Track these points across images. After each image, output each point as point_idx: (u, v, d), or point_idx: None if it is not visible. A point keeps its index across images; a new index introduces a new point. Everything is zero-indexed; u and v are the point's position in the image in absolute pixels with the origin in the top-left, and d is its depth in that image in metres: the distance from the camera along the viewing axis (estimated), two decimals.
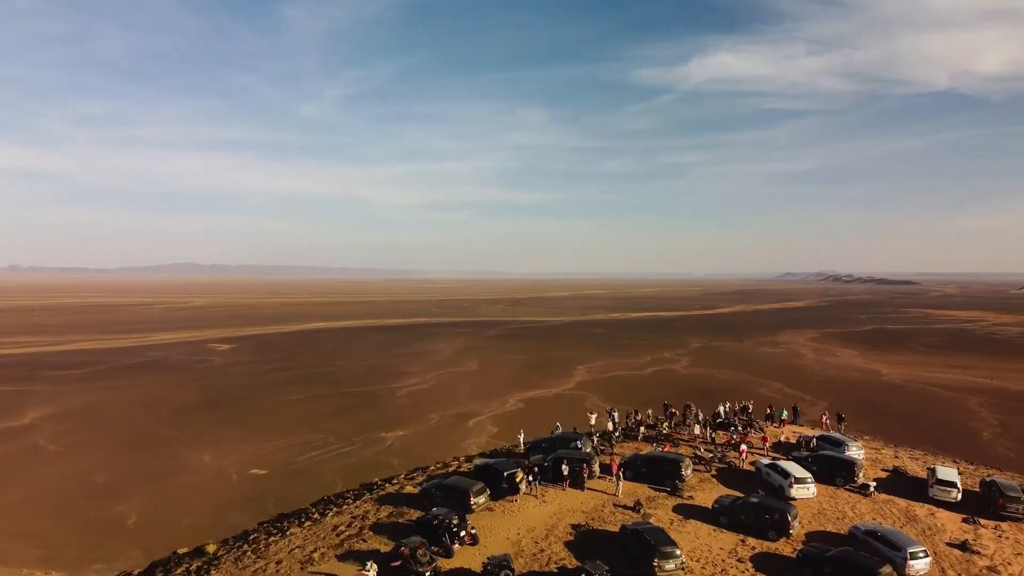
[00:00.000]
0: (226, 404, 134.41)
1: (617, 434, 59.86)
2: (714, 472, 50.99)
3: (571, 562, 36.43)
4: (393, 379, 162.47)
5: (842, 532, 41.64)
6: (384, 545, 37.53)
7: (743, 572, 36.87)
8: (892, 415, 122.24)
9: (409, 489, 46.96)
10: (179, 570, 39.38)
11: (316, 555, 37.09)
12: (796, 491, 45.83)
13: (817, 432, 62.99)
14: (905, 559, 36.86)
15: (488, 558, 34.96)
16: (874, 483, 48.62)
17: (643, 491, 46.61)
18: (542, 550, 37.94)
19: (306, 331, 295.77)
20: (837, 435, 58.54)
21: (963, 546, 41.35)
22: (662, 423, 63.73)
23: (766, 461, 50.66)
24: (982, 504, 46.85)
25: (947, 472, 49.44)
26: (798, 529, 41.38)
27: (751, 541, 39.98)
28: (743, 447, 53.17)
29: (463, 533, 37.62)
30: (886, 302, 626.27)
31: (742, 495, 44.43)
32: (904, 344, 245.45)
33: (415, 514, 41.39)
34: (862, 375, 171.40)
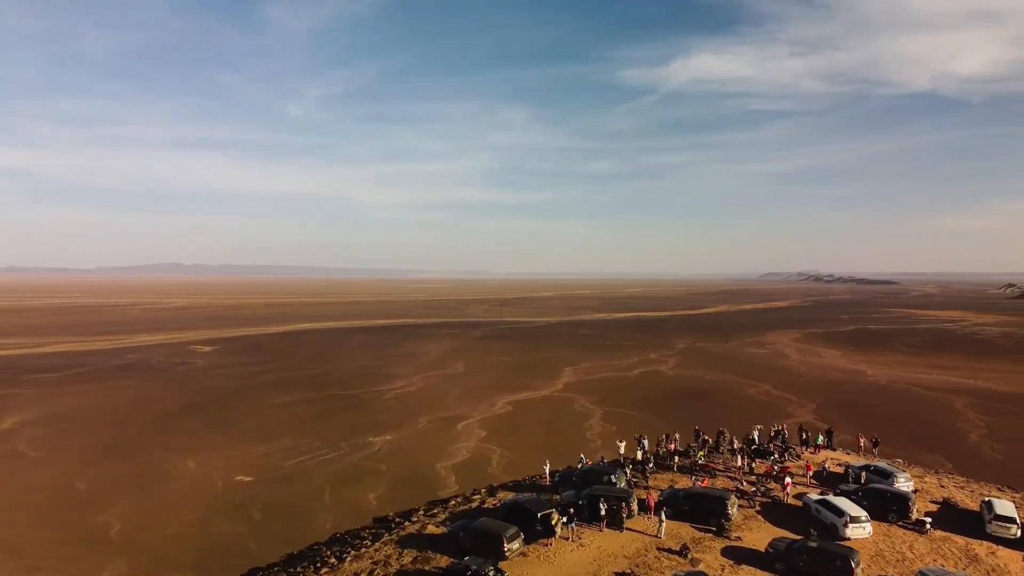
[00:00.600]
0: (210, 408, 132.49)
1: (651, 465, 55.64)
2: (758, 508, 47.31)
3: None
4: (380, 381, 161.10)
5: None
6: None
7: None
8: (879, 417, 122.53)
9: (432, 529, 44.14)
10: None
11: None
12: (851, 531, 42.19)
13: (860, 460, 59.28)
14: None
15: None
16: (930, 520, 45.08)
17: (687, 531, 43.15)
18: None
19: (291, 332, 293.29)
20: (885, 464, 54.46)
21: None
22: (696, 451, 59.70)
23: (815, 496, 46.90)
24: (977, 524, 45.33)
25: (1005, 506, 45.78)
26: None
27: None
28: (787, 479, 49.05)
29: None
30: (867, 302, 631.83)
31: (795, 537, 40.90)
32: (887, 344, 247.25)
33: (442, 560, 38.68)
34: (847, 376, 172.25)
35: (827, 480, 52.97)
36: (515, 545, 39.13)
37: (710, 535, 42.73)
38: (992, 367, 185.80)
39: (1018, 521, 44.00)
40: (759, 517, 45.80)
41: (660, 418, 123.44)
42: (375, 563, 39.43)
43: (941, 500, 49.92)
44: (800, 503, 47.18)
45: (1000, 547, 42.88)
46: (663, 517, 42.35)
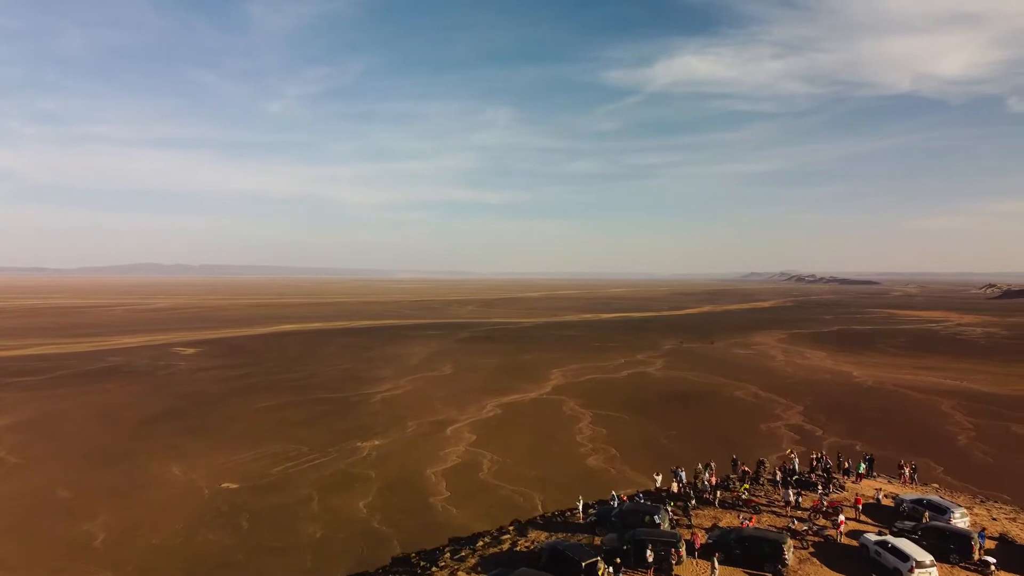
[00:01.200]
0: (193, 412, 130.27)
1: (692, 502, 51.32)
2: (812, 549, 43.76)
3: None
4: (366, 384, 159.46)
5: None
6: None
7: None
8: (870, 420, 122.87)
9: None
10: None
11: None
12: None
13: (910, 492, 55.02)
14: None
15: None
16: (994, 561, 41.76)
17: None
18: None
19: (274, 334, 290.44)
20: (939, 499, 50.49)
21: None
22: (736, 483, 56.22)
23: (873, 537, 42.98)
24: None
25: None
26: None
27: None
28: (840, 517, 45.23)
29: None
30: (850, 302, 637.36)
31: None
32: (872, 345, 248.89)
33: None
34: (833, 377, 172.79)
35: (879, 515, 49.24)
36: None
37: None
38: (977, 368, 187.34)
39: None
40: (814, 560, 42.57)
41: (650, 421, 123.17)
42: None
43: (998, 535, 46.79)
44: (856, 543, 43.58)
45: None
46: (716, 564, 39.22)
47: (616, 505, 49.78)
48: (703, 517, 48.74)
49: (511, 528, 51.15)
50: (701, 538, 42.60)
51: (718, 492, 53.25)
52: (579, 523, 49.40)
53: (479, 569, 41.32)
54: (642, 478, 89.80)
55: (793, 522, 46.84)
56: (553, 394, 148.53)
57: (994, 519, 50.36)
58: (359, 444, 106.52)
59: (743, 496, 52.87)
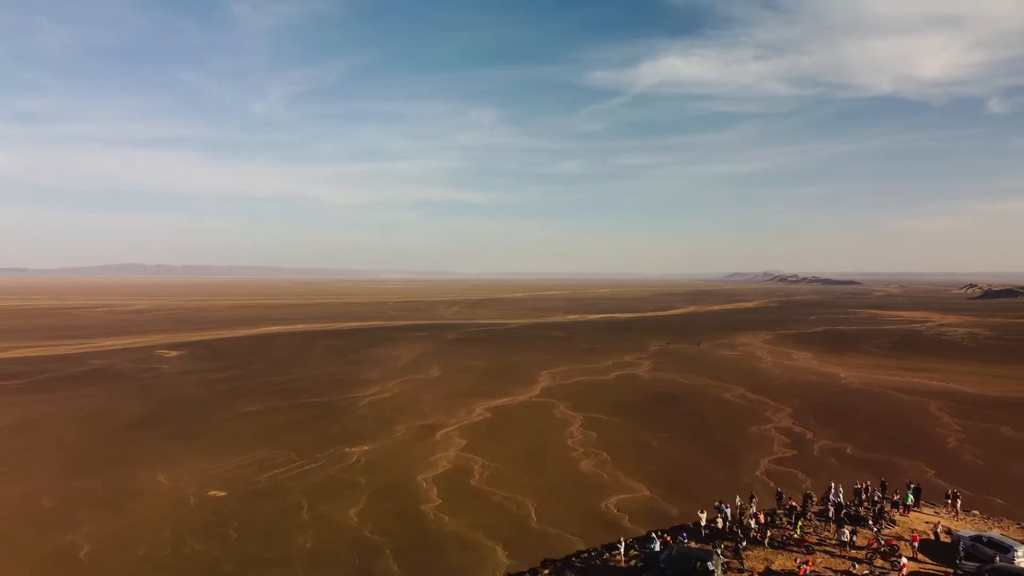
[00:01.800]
0: (178, 417, 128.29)
1: (743, 543, 47.18)
2: None
3: None
4: (353, 388, 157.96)
5: None
6: None
7: None
8: (859, 422, 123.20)
9: None
10: None
11: None
12: None
13: (966, 527, 51.46)
14: None
15: None
16: None
17: None
18: None
19: (258, 336, 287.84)
20: (1000, 536, 46.64)
21: None
22: (783, 519, 52.48)
23: None
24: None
25: None
26: None
27: None
28: (903, 559, 41.81)
29: None
30: (833, 303, 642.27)
31: None
32: (857, 346, 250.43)
33: None
34: (820, 378, 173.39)
35: (935, 554, 45.83)
36: None
37: None
38: (962, 369, 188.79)
39: None
40: None
41: (640, 424, 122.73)
42: None
43: None
44: None
45: None
46: None
47: (660, 546, 46.64)
48: (754, 559, 45.72)
49: (546, 572, 48.13)
50: None
51: (768, 531, 49.48)
52: (621, 567, 46.19)
53: None
54: (634, 483, 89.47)
55: (854, 565, 43.56)
56: (542, 397, 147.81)
57: None
58: (348, 449, 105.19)
59: (795, 535, 49.29)
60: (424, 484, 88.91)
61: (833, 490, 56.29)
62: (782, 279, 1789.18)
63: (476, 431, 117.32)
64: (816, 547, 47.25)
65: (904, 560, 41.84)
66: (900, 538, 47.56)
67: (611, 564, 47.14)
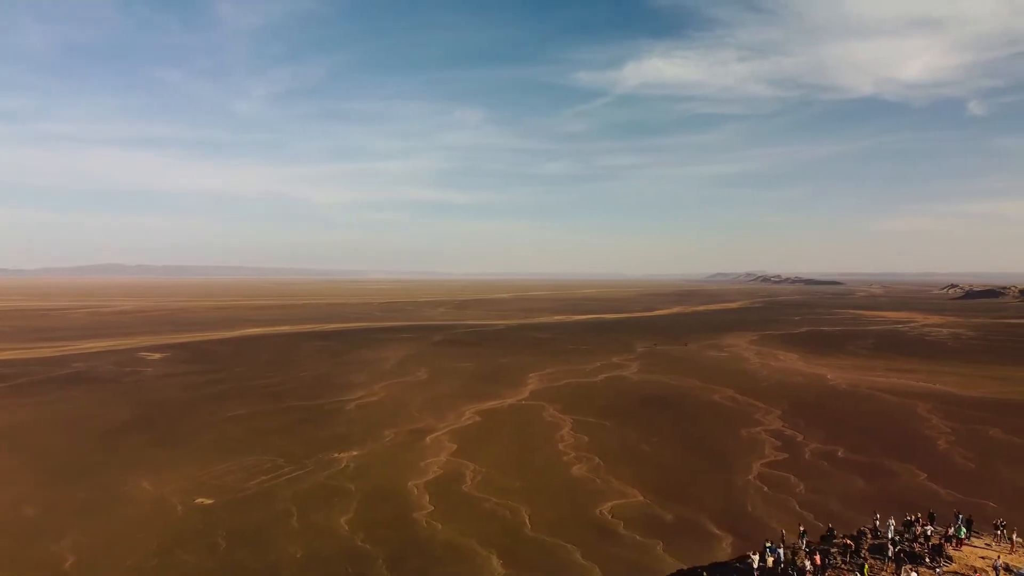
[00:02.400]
0: (163, 422, 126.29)
1: None
2: None
3: None
4: (339, 391, 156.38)
5: None
6: None
7: None
8: (849, 425, 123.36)
9: None
10: None
11: None
12: None
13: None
14: None
15: None
16: None
17: None
18: None
19: (242, 338, 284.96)
20: None
21: None
22: (851, 560, 47.71)
23: None
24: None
25: None
26: None
27: None
28: None
29: None
30: (816, 303, 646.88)
31: None
32: (843, 347, 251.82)
33: None
34: (808, 380, 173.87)
35: None
36: None
37: None
38: (947, 369, 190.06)
39: None
40: None
41: (630, 427, 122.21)
42: None
43: None
44: None
45: None
46: None
47: None
48: None
49: None
50: None
51: (825, 572, 45.34)
52: None
53: None
54: (628, 488, 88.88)
55: None
56: (532, 400, 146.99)
57: None
58: (336, 455, 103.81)
59: None
60: (415, 491, 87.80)
61: (878, 521, 52.67)
62: (765, 279, 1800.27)
63: (466, 435, 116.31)
64: None
65: None
66: None
67: None
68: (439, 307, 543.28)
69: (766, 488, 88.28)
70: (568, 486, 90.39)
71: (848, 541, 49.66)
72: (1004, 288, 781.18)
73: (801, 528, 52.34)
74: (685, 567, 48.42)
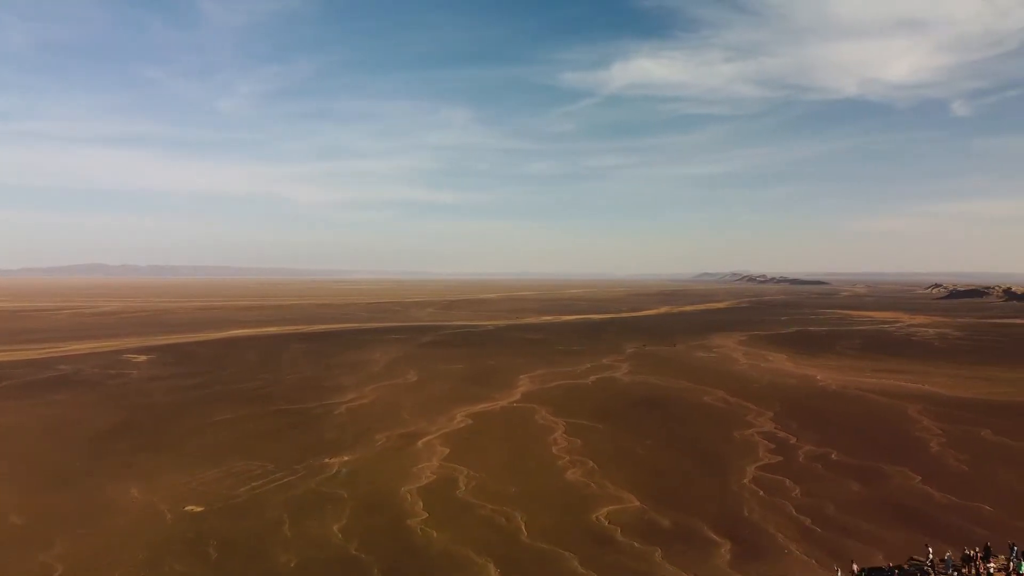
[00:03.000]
0: (149, 426, 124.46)
1: None
2: None
3: None
4: (328, 394, 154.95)
5: None
6: None
7: None
8: (840, 427, 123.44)
9: None
10: None
11: None
12: None
13: None
14: None
15: None
16: None
17: None
18: None
19: (227, 339, 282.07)
20: None
21: None
22: None
23: None
24: None
25: None
26: None
27: None
28: None
29: None
30: (803, 303, 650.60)
31: None
32: (831, 347, 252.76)
33: None
34: (798, 381, 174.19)
35: None
36: None
37: None
38: (936, 370, 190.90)
39: None
40: None
41: (623, 429, 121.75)
42: None
43: None
44: None
45: None
46: None
47: None
48: None
49: None
50: None
51: None
52: None
53: None
54: (623, 493, 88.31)
55: None
56: (523, 402, 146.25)
57: None
58: (327, 460, 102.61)
59: None
60: (409, 497, 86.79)
61: (931, 554, 49.61)
62: (751, 279, 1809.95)
63: (458, 439, 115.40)
64: None
65: None
66: None
67: None
68: (427, 307, 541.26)
69: (762, 492, 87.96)
70: (563, 491, 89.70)
71: None
72: (988, 288, 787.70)
73: (853, 564, 48.03)
74: None
